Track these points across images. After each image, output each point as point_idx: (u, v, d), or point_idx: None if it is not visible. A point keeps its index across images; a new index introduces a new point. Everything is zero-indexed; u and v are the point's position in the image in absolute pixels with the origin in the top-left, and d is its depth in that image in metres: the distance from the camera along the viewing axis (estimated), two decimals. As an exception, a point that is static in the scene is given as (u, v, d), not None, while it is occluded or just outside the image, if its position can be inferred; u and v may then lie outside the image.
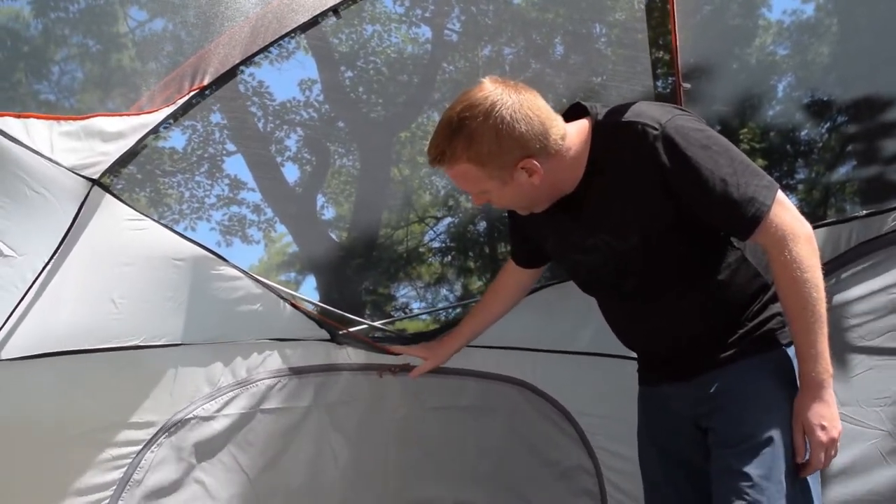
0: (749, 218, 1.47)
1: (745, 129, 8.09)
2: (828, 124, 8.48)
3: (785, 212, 1.50)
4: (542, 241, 1.85)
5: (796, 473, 1.51)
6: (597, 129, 1.60)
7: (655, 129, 1.49)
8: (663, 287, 1.62)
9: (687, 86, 2.57)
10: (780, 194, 1.51)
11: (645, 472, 1.84)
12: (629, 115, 1.55)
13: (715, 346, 1.60)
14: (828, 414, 1.48)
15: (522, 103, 1.52)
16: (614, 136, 1.56)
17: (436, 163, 1.60)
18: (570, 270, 1.84)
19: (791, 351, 1.57)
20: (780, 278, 1.51)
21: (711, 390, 1.59)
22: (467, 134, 1.51)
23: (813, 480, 1.54)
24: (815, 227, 2.46)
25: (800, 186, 9.01)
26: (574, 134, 1.61)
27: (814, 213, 8.60)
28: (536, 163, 1.54)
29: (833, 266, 2.44)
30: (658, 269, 1.61)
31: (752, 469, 1.49)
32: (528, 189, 1.58)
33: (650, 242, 1.57)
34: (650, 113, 1.53)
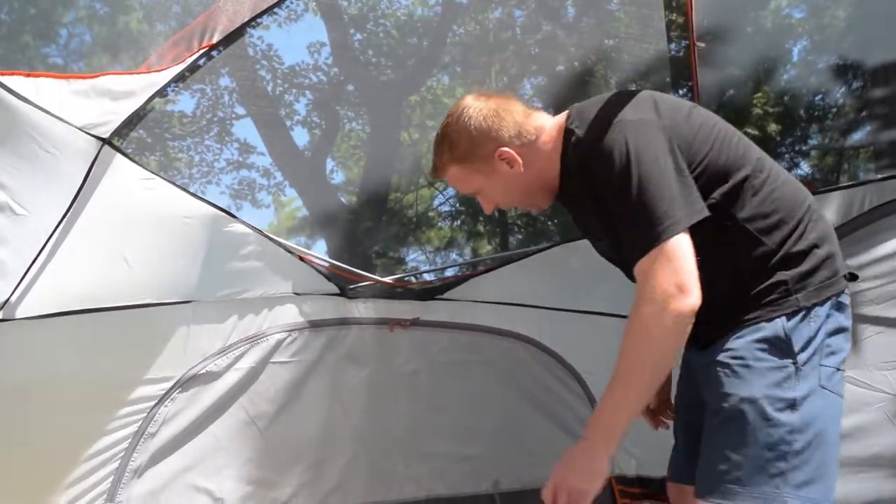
0: (638, 251, 1.40)
1: (760, 94, 7.99)
2: (843, 89, 8.36)
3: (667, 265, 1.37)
4: None
5: (779, 452, 1.41)
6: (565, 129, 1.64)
7: (581, 137, 1.53)
8: None
9: (701, 45, 2.54)
10: (673, 245, 1.37)
11: (674, 433, 1.83)
12: (573, 117, 1.59)
13: (716, 316, 1.53)
14: (569, 482, 1.40)
15: (490, 106, 1.66)
16: (566, 139, 1.61)
17: (435, 174, 1.76)
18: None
19: (791, 323, 1.47)
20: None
21: (708, 360, 1.55)
22: (448, 140, 1.69)
23: (804, 461, 1.42)
24: (828, 191, 2.47)
25: (813, 152, 8.91)
26: (551, 128, 1.66)
27: (826, 179, 8.52)
28: (512, 151, 1.63)
29: (846, 230, 2.43)
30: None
31: (725, 441, 1.45)
32: (514, 179, 1.65)
33: (616, 239, 1.53)
34: (595, 120, 1.52)
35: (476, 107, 1.66)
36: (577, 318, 2.57)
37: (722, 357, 1.49)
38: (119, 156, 1.96)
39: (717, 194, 1.48)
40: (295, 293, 2.33)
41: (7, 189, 1.78)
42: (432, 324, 2.46)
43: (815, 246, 1.49)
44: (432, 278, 2.57)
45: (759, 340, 1.47)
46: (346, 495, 2.39)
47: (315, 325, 2.37)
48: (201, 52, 1.85)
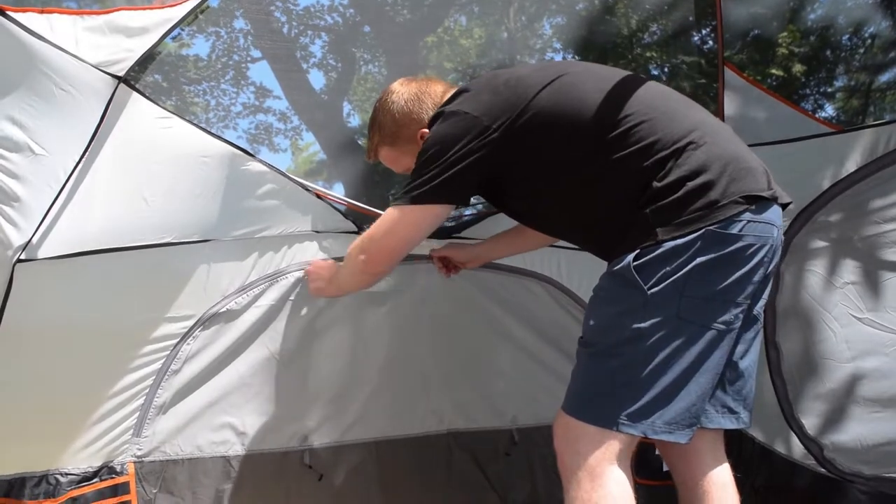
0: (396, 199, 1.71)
1: (785, 33, 7.77)
2: (871, 29, 8.12)
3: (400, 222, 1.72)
4: None
5: (617, 378, 1.50)
6: None
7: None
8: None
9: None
10: (399, 212, 1.71)
11: None
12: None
13: (602, 253, 1.70)
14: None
15: (412, 90, 1.89)
16: None
17: (369, 157, 2.02)
18: None
19: (645, 257, 1.49)
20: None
21: None
22: (377, 123, 1.94)
23: (643, 389, 1.48)
24: (855, 130, 2.42)
25: (838, 94, 8.71)
26: None
27: (851, 122, 8.34)
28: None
29: (869, 170, 2.39)
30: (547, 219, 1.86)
31: (578, 363, 1.61)
32: None
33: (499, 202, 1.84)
34: (444, 103, 1.75)
35: (399, 92, 1.90)
36: (593, 257, 2.56)
37: (594, 288, 1.63)
38: (135, 94, 1.96)
39: (575, 152, 1.59)
40: (314, 231, 2.34)
41: (26, 128, 1.78)
42: (449, 262, 2.46)
43: (686, 178, 1.49)
44: (451, 224, 2.56)
45: (613, 274, 1.54)
46: (367, 429, 2.43)
47: (336, 261, 2.38)
48: (215, -15, 1.82)
